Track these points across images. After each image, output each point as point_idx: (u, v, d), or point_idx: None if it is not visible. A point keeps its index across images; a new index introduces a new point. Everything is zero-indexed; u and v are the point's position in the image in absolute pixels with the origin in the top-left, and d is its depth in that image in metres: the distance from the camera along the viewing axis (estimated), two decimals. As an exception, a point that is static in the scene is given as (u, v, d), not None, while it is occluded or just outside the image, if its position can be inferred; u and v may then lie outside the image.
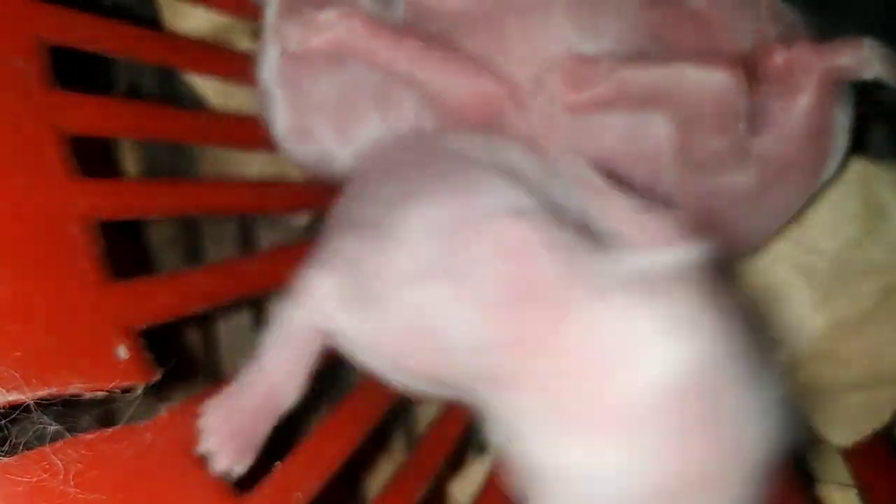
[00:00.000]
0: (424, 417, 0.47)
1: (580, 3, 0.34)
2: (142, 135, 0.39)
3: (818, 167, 0.36)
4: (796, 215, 0.39)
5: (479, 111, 0.34)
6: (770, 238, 0.40)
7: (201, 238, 0.48)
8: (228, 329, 0.49)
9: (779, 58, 0.34)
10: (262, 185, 0.45)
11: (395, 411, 0.46)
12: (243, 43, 0.49)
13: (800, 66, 0.33)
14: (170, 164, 0.48)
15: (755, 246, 0.40)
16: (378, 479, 0.46)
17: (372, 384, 0.40)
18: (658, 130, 0.34)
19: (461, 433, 0.40)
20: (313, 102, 0.37)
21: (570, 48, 0.33)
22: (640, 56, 0.34)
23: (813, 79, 0.33)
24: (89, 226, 0.30)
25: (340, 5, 0.34)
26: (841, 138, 0.36)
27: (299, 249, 0.42)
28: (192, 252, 0.47)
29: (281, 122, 0.37)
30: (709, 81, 0.33)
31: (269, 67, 0.36)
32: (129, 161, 0.48)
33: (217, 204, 0.41)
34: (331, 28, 0.33)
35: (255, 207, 0.43)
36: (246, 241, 0.49)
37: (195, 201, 0.38)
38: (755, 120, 0.34)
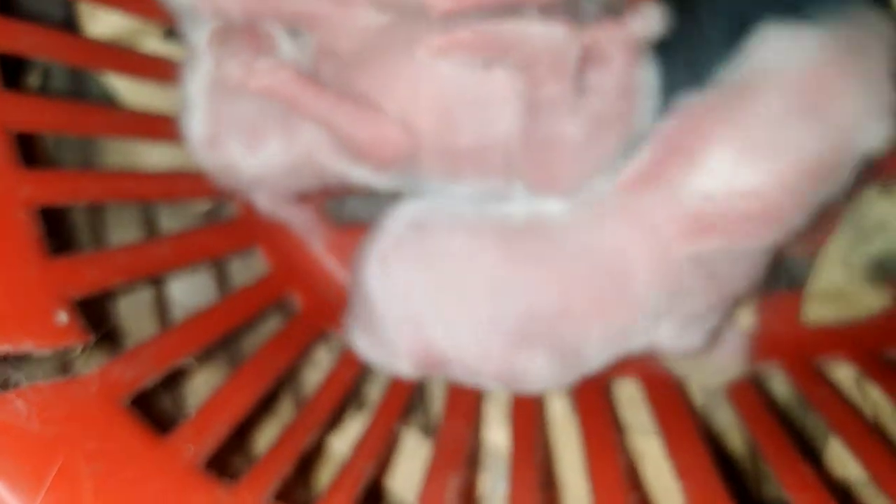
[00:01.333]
0: (311, 383, 0.54)
1: None
2: (61, 130, 0.44)
3: (630, 120, 0.43)
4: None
5: (381, 153, 0.41)
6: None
7: (106, 223, 0.52)
8: (128, 303, 0.54)
9: (589, 36, 0.40)
10: (168, 175, 0.50)
11: (287, 377, 0.53)
12: (150, 44, 0.54)
13: (605, 39, 0.40)
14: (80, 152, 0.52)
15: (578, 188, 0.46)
16: (266, 436, 0.52)
17: (269, 350, 0.47)
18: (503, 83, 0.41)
19: (344, 394, 0.48)
20: (228, 119, 0.43)
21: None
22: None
23: (617, 48, 0.40)
24: (32, 210, 0.35)
25: (265, 43, 0.41)
26: (649, 95, 0.43)
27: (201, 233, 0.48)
28: (100, 235, 0.51)
29: (196, 130, 0.43)
30: (549, 34, 0.39)
31: (197, 82, 0.43)
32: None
33: (128, 192, 0.47)
34: (265, 77, 0.40)
35: (161, 195, 0.49)
36: (149, 226, 0.54)
37: (114, 190, 0.43)
38: (580, 82, 0.41)
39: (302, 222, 0.56)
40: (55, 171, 0.41)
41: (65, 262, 0.36)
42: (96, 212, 0.52)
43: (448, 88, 0.41)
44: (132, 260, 0.42)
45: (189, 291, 0.54)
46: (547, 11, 0.40)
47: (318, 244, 0.58)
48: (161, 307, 0.54)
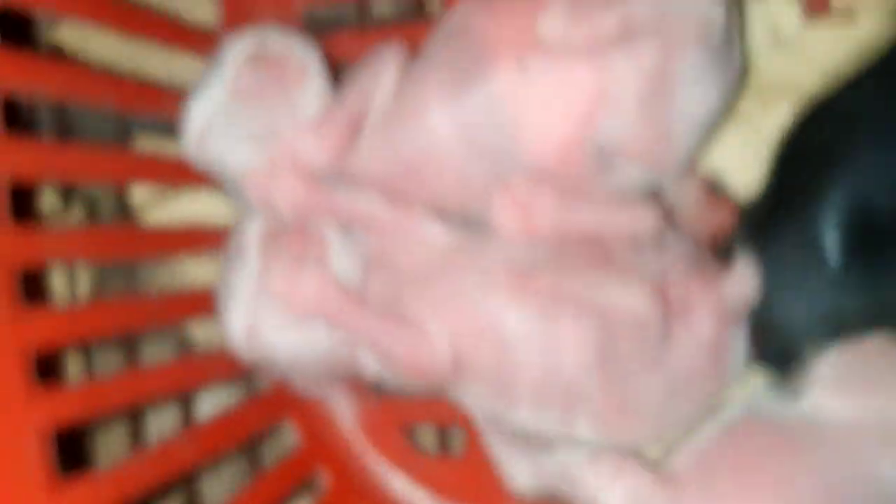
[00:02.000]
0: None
1: None
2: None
3: (718, 382, 0.39)
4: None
5: (418, 372, 0.38)
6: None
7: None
8: None
9: (676, 289, 0.38)
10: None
11: None
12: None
13: (696, 296, 0.38)
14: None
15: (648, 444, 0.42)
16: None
17: None
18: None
19: None
20: (267, 308, 0.41)
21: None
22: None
23: (707, 306, 0.38)
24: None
25: (316, 249, 0.40)
26: (739, 355, 0.40)
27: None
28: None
29: (236, 324, 0.41)
30: (631, 295, 0.36)
31: (242, 280, 0.41)
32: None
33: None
34: (309, 297, 0.38)
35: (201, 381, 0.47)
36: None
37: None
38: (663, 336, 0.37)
39: (336, 398, 0.53)
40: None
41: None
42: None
43: (511, 324, 0.37)
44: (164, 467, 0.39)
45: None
46: (635, 249, 0.37)
47: (351, 421, 0.54)
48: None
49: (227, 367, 0.47)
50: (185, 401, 0.54)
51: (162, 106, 0.48)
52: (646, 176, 0.40)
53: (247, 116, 0.42)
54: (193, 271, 0.55)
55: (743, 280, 0.37)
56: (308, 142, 0.41)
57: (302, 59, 0.43)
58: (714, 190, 0.44)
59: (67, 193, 0.60)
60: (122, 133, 0.56)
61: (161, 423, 0.58)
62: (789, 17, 0.45)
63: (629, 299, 0.36)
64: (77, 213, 0.60)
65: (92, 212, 0.62)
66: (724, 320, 0.38)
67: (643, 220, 0.39)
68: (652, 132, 0.38)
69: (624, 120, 0.38)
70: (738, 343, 0.39)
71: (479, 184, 0.39)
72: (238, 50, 0.42)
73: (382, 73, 0.42)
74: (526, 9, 0.39)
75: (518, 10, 0.39)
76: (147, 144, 0.56)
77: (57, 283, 0.60)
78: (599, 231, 0.38)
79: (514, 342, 0.37)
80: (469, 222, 0.39)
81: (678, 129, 0.39)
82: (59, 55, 0.58)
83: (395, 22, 0.54)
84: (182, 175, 0.49)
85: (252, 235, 0.41)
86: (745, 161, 0.45)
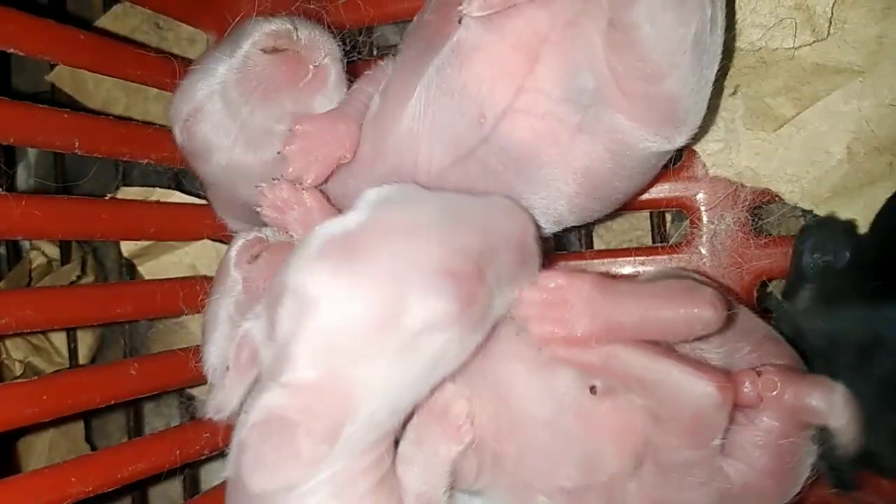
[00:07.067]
0: None
1: None
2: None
3: (779, 498, 0.35)
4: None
5: None
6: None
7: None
8: None
9: (748, 385, 0.33)
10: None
11: None
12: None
13: (768, 399, 0.33)
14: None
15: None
16: None
17: None
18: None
19: None
20: None
21: None
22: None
23: (780, 414, 0.33)
24: None
25: None
26: (805, 472, 0.35)
27: None
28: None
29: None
30: (693, 390, 0.32)
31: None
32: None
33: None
34: None
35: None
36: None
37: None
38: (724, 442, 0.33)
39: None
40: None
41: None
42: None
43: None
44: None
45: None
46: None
47: None
48: None
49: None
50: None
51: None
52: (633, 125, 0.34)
53: (245, 107, 0.39)
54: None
55: (828, 400, 0.32)
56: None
57: (324, 59, 0.39)
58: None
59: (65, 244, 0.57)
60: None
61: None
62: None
63: (696, 384, 0.32)
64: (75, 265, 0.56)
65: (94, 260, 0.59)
66: (796, 431, 0.33)
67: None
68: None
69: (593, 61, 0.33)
70: (806, 461, 0.34)
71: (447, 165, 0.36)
72: (258, 35, 0.39)
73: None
74: None
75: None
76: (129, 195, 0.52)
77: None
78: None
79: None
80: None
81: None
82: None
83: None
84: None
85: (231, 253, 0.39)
86: (788, 160, 0.41)
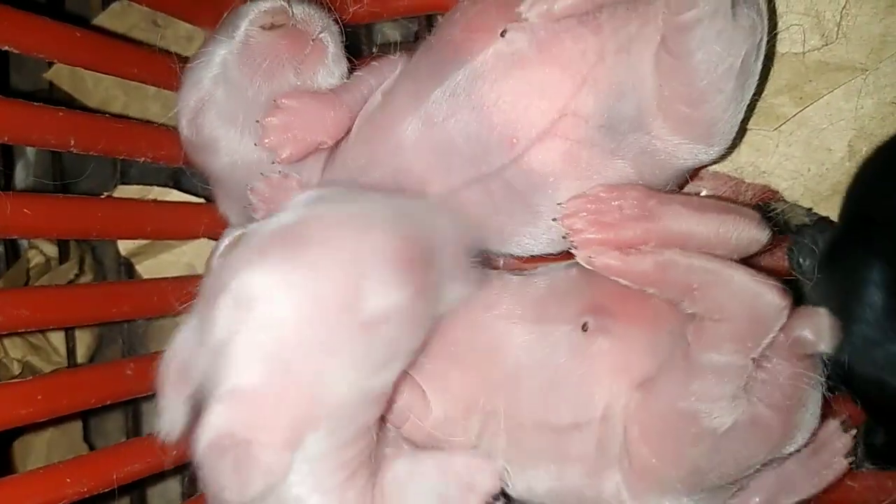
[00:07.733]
0: None
1: None
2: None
3: (785, 435, 0.35)
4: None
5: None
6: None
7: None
8: None
9: None
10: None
11: None
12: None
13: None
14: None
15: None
16: None
17: None
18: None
19: None
20: None
21: None
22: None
23: (778, 352, 0.33)
24: None
25: None
26: (812, 411, 0.35)
27: None
28: None
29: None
30: (757, 293, 0.32)
31: None
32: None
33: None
34: None
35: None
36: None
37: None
38: None
39: None
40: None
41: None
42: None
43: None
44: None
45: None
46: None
47: None
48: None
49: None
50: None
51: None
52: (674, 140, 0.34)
53: (251, 88, 0.39)
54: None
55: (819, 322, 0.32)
56: None
57: (320, 33, 0.39)
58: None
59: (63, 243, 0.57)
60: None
61: None
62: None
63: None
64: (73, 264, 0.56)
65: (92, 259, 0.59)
66: (799, 366, 0.33)
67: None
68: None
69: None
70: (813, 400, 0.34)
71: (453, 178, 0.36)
72: (254, 13, 0.39)
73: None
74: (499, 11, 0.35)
75: (491, 12, 0.35)
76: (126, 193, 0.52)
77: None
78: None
79: None
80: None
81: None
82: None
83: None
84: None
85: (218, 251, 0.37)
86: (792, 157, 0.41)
